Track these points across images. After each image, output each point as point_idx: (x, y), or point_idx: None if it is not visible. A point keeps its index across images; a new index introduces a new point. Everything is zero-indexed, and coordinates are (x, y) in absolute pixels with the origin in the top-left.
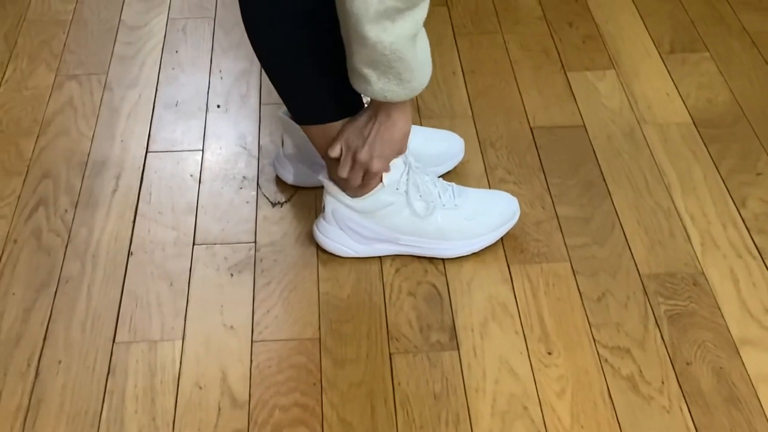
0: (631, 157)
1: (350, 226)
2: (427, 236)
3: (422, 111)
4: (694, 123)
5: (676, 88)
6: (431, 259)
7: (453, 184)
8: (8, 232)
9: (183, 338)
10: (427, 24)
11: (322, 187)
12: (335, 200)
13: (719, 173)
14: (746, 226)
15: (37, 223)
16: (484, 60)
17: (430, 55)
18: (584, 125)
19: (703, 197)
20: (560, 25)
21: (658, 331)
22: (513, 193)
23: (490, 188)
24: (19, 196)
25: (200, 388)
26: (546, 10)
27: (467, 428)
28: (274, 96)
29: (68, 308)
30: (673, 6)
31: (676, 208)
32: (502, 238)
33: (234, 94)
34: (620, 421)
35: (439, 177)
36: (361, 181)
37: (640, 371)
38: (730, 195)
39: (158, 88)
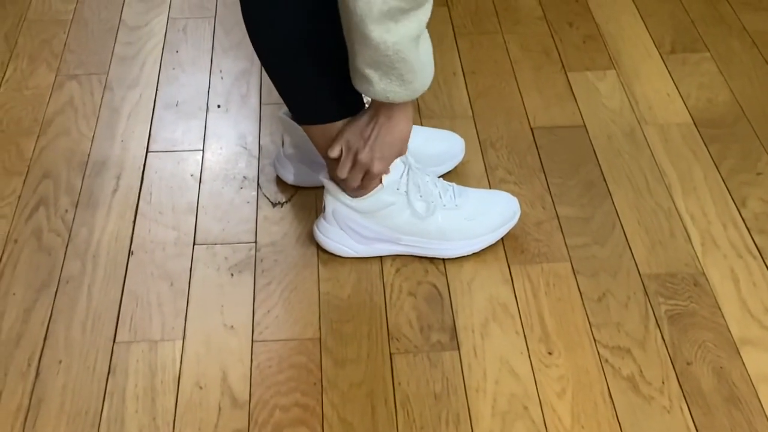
0: (631, 157)
1: (351, 226)
2: (428, 236)
3: (423, 111)
4: (694, 123)
5: (677, 88)
6: (432, 259)
7: (453, 184)
8: (9, 232)
9: (183, 338)
10: (428, 24)
11: (322, 187)
12: (336, 200)
13: (720, 173)
14: (746, 226)
15: (38, 223)
16: (485, 60)
17: (432, 57)
18: (585, 125)
19: (703, 197)
20: (561, 26)
21: (658, 331)
22: (513, 194)
23: (490, 188)
24: (19, 196)
25: (201, 388)
26: (546, 11)
27: (468, 428)
28: (275, 96)
29: (69, 308)
30: (673, 6)
31: (676, 208)
32: (502, 239)
33: (234, 94)
34: (621, 421)
35: (439, 177)
36: (360, 182)
37: (641, 371)
38: (730, 195)
39: (159, 87)
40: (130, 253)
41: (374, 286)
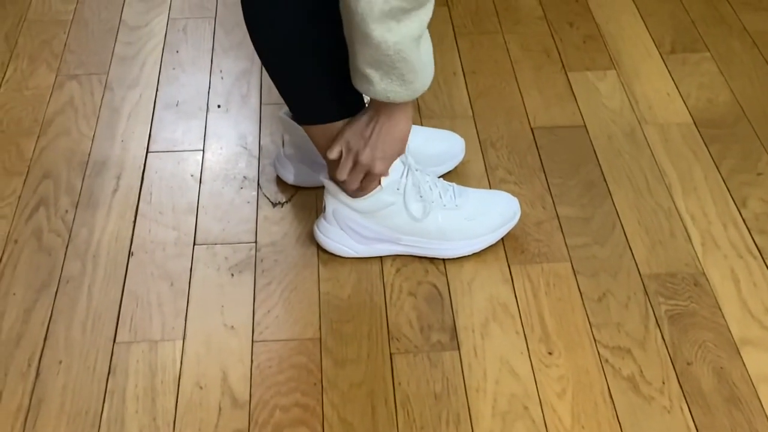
0: (631, 157)
1: (351, 227)
2: (428, 236)
3: (423, 111)
4: (694, 123)
5: (677, 88)
6: (432, 259)
7: (453, 184)
8: (9, 232)
9: (183, 338)
10: (428, 24)
11: (322, 187)
12: (336, 200)
13: (720, 173)
14: (747, 226)
15: (38, 224)
16: (485, 60)
17: (433, 57)
18: (585, 125)
19: (703, 197)
20: (561, 25)
21: (658, 331)
22: (513, 194)
23: (490, 188)
24: (19, 197)
25: (201, 388)
26: (546, 10)
27: (468, 428)
28: (275, 96)
29: (69, 308)
30: (673, 6)
31: (676, 208)
32: (502, 239)
33: (235, 94)
34: (621, 422)
35: (439, 177)
36: (359, 184)
37: (641, 371)
38: (730, 195)
39: (159, 88)
40: (130, 253)
41: (374, 286)
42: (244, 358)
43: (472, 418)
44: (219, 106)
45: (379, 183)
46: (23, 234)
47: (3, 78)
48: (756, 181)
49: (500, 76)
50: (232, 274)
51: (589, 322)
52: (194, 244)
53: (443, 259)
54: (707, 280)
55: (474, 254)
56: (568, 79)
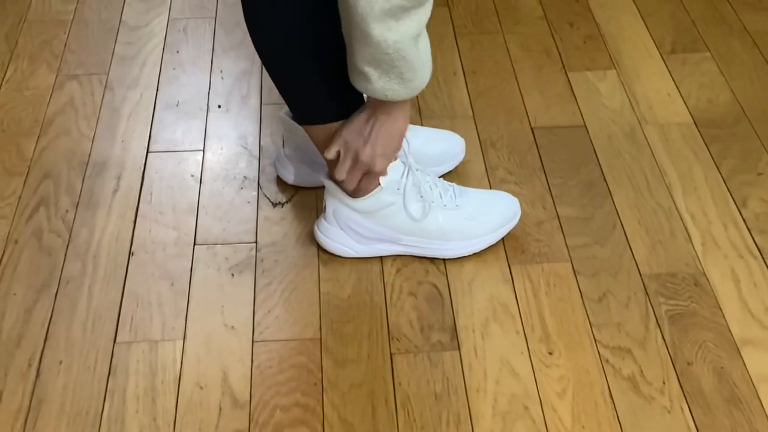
0: (632, 157)
1: (351, 227)
2: (428, 236)
3: (423, 111)
4: (695, 123)
5: (677, 88)
6: (432, 260)
7: (454, 184)
8: (9, 232)
9: (184, 338)
10: (428, 24)
11: (323, 187)
12: (336, 200)
13: (720, 173)
14: (747, 226)
15: (38, 224)
16: (485, 60)
17: (430, 55)
18: (585, 125)
19: (704, 197)
20: (561, 25)
21: (659, 331)
22: (514, 194)
23: (491, 188)
24: (19, 197)
25: (201, 388)
26: (547, 10)
27: (468, 428)
28: (276, 96)
29: (69, 308)
30: (674, 6)
31: (677, 208)
32: (503, 239)
33: (235, 94)
34: (621, 422)
35: (439, 177)
36: (358, 184)
37: (641, 371)
38: (731, 195)
39: (159, 88)
40: (130, 253)
41: (374, 286)
42: (245, 358)
43: (472, 418)
44: (219, 107)
45: (379, 183)
46: (23, 234)
47: (3, 78)
48: (756, 181)
49: (500, 76)
50: (233, 274)
51: (590, 322)
52: (194, 244)
53: (443, 259)
54: (707, 280)
55: (474, 254)
56: (569, 79)
